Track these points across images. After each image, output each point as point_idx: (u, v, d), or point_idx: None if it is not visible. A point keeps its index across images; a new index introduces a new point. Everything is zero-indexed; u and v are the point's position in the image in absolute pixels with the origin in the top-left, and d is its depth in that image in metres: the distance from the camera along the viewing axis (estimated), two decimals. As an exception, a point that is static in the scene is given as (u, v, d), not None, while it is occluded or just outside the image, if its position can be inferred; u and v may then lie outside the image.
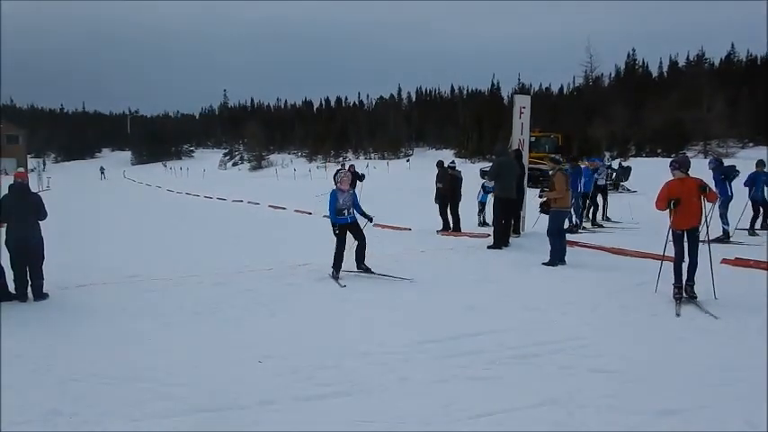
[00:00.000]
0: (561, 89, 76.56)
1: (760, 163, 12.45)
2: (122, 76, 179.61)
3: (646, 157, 44.16)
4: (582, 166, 15.02)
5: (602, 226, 14.44)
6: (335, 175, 11.71)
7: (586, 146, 51.16)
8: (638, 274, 8.57)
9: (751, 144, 52.51)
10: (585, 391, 4.50)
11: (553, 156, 11.52)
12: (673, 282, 7.13)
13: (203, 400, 4.47)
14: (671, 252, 7.22)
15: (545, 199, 9.89)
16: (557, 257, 9.53)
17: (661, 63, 70.48)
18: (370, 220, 9.19)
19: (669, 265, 7.27)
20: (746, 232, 12.26)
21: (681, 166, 7.24)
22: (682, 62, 67.51)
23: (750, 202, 12.49)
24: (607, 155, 46.68)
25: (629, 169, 26.92)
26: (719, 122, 48.54)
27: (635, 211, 15.70)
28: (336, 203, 8.92)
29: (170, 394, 4.56)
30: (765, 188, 12.26)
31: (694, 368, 4.96)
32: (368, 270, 8.94)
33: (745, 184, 12.39)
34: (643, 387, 4.59)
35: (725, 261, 9.05)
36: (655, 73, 69.84)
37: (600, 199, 15.03)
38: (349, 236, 8.95)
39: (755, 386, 4.52)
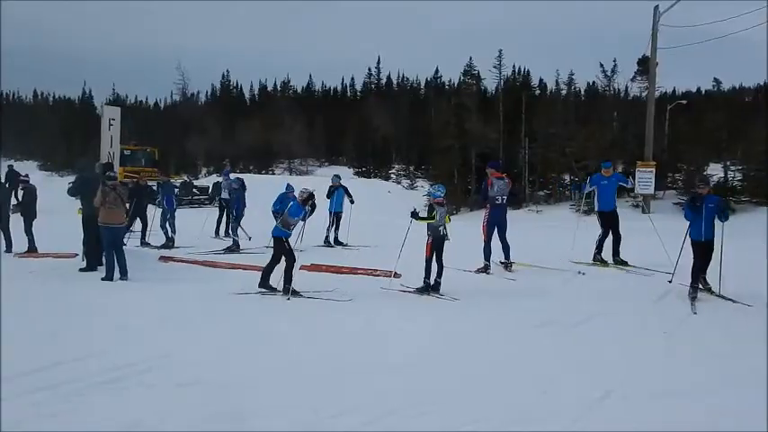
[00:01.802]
0: (157, 103, 75.44)
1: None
2: None
3: (240, 173, 46.92)
4: (173, 182, 15.19)
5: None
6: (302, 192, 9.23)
7: (184, 161, 51.51)
8: (231, 282, 9.13)
9: (327, 163, 61.37)
10: (173, 410, 4.52)
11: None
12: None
13: None
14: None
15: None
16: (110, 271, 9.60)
17: (252, 86, 76.27)
18: None
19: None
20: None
21: None
22: (270, 87, 74.39)
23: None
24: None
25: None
26: (300, 143, 55.32)
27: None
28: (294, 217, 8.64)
29: None
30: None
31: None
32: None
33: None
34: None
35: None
36: (247, 94, 75.12)
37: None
38: None
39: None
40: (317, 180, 17.17)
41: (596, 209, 11.16)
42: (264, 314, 7.54)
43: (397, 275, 9.30)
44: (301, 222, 8.90)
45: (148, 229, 14.19)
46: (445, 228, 8.88)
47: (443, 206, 8.94)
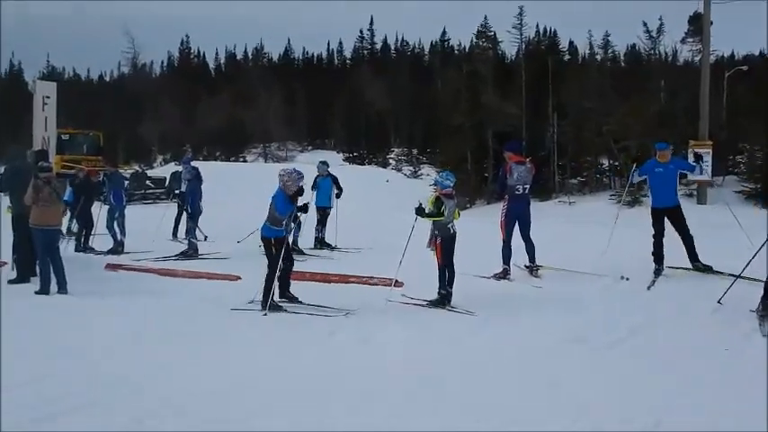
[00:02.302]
0: (102, 77, 75.22)
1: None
2: None
3: (204, 160, 47.01)
4: (122, 172, 15.20)
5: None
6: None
7: (136, 146, 51.48)
8: (192, 295, 9.12)
9: (309, 147, 61.32)
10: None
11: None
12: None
13: None
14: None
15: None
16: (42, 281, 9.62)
17: (217, 54, 76.06)
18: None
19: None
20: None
21: None
22: (240, 55, 74.28)
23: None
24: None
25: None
26: (277, 123, 55.26)
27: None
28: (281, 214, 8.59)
29: None
30: None
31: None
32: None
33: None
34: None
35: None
36: (212, 64, 74.98)
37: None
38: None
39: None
40: (299, 168, 17.30)
41: (652, 205, 10.49)
42: (237, 340, 7.45)
43: (398, 284, 9.31)
44: (292, 225, 8.90)
45: (93, 230, 14.19)
46: (454, 225, 8.90)
47: (453, 198, 8.93)
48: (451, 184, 8.97)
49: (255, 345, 7.16)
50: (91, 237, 14.13)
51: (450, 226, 8.81)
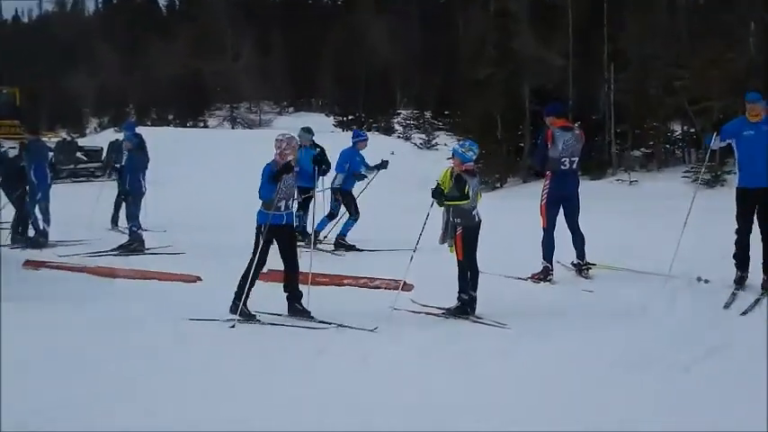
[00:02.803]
0: (17, 18, 75.22)
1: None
2: None
3: (153, 125, 47.05)
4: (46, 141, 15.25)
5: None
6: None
7: (64, 107, 51.47)
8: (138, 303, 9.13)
9: (291, 109, 61.27)
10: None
11: None
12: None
13: None
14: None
15: None
16: None
17: (171, -13, 75.89)
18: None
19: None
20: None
21: None
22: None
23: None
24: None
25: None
26: (249, 77, 55.12)
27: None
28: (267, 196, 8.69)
29: None
30: None
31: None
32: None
33: None
34: None
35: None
36: (163, 1, 74.79)
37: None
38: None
39: None
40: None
41: (737, 184, 9.81)
42: (193, 364, 7.35)
43: (407, 287, 9.30)
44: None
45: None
46: (478, 211, 8.88)
47: (476, 176, 8.91)
48: (474, 157, 8.94)
49: (216, 372, 7.03)
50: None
51: (474, 212, 8.79)
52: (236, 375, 6.94)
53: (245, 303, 8.58)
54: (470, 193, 8.64)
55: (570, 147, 10.35)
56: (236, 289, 8.67)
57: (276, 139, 9.02)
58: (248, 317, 8.57)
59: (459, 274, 8.82)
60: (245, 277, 8.65)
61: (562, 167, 10.33)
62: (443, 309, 8.87)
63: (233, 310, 8.54)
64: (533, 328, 8.31)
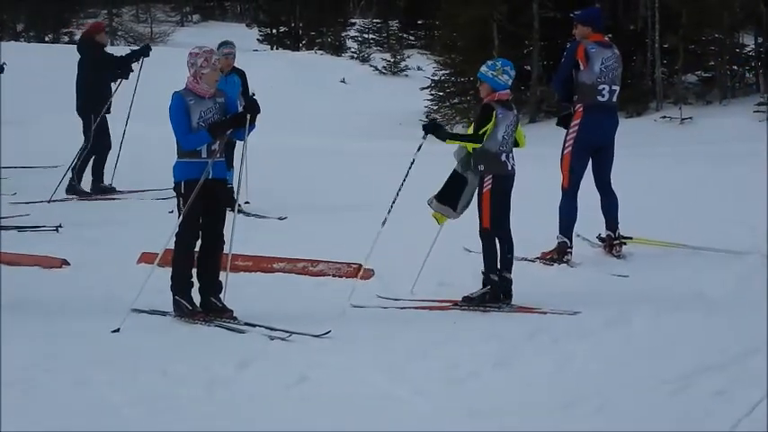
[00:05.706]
0: None
1: None
2: None
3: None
4: None
5: None
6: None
7: None
8: None
9: (195, 17, 61.14)
10: None
11: None
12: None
13: None
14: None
15: None
16: None
17: None
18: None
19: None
20: None
21: None
22: None
23: None
24: None
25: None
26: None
27: None
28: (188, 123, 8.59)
29: None
30: None
31: None
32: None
33: None
34: None
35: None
36: None
37: None
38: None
39: None
40: (178, 55, 16.47)
41: None
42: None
43: (367, 274, 9.35)
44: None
45: None
46: (512, 157, 9.01)
47: (513, 109, 9.14)
48: (511, 82, 9.02)
49: (92, 400, 6.71)
50: None
51: (509, 157, 8.98)
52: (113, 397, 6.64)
53: (188, 295, 8.64)
54: (499, 132, 8.76)
55: (611, 69, 10.40)
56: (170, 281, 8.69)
57: (189, 53, 8.89)
58: (192, 314, 8.61)
59: (483, 249, 8.93)
60: (175, 261, 8.72)
61: (599, 98, 10.36)
62: (463, 299, 8.92)
63: (173, 292, 8.63)
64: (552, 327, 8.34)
